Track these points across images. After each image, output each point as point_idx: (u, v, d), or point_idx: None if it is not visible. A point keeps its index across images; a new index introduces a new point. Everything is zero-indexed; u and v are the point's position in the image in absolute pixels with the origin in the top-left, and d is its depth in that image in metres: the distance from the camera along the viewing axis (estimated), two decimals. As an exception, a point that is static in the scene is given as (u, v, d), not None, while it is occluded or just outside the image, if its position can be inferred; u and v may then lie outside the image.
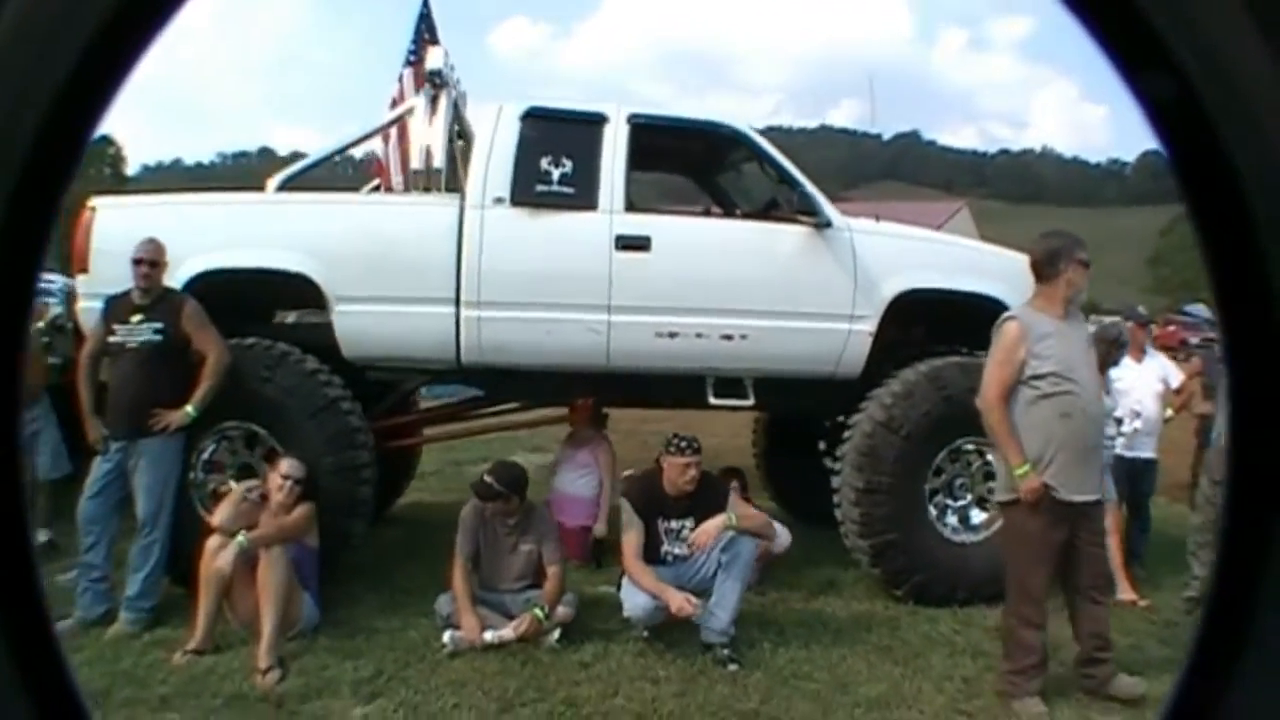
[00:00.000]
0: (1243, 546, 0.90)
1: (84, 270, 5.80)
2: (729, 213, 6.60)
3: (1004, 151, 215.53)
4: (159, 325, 5.22)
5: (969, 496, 5.84)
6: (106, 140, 56.13)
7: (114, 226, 5.74)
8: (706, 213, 6.55)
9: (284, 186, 6.12)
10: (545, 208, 5.67)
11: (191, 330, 5.25)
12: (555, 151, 5.75)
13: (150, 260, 5.22)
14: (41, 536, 5.93)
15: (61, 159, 0.88)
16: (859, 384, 5.82)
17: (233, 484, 5.41)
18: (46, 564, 5.96)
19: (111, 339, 5.25)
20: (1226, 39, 0.82)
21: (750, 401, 5.96)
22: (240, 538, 4.80)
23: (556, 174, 5.74)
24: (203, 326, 5.27)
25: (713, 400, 5.89)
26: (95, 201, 5.86)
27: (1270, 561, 0.87)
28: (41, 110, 0.84)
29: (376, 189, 7.70)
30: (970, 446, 5.72)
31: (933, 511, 5.76)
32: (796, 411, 6.60)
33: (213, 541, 4.90)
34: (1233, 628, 0.89)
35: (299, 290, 5.69)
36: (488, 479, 5.04)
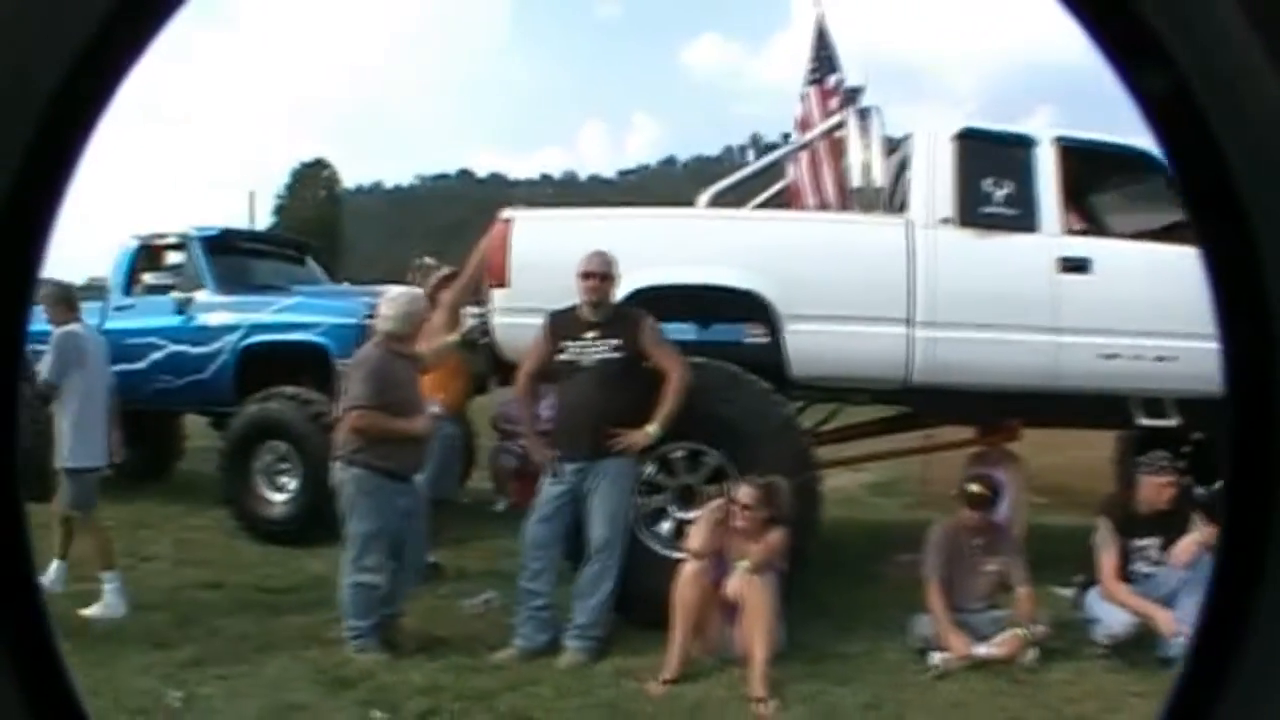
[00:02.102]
0: (1240, 548, 0.97)
1: (501, 284, 6.60)
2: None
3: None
4: (616, 342, 5.77)
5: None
6: (320, 163, 60.59)
7: (533, 239, 6.65)
8: (1138, 235, 7.04)
9: (715, 201, 6.85)
10: (990, 229, 6.54)
11: (651, 348, 5.84)
12: (994, 173, 6.61)
13: (601, 274, 5.81)
14: (429, 559, 6.83)
15: (64, 154, 0.95)
16: None
17: (698, 507, 6.09)
18: (433, 587, 7.07)
19: (561, 357, 5.85)
20: (1221, 36, 0.90)
21: (1175, 422, 6.59)
22: (743, 563, 5.45)
23: (998, 195, 6.60)
24: (662, 344, 5.91)
25: (1142, 420, 6.60)
26: (510, 213, 6.75)
27: (1268, 564, 0.93)
28: (42, 102, 0.89)
29: (767, 205, 8.38)
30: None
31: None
32: (1213, 429, 7.00)
33: (689, 567, 5.54)
34: (1229, 631, 0.96)
35: (738, 307, 6.55)
36: (976, 488, 5.89)
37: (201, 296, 9.62)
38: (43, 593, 1.07)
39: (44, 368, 6.59)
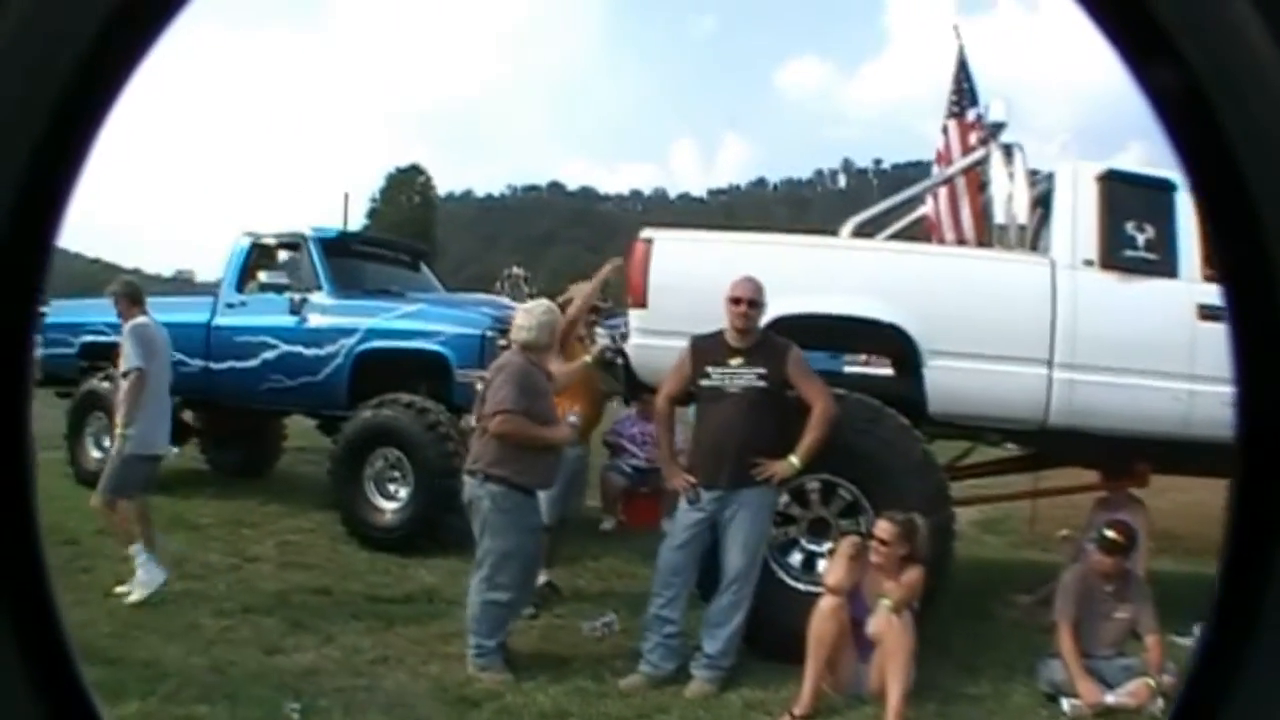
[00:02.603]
0: (1248, 549, 1.00)
1: (641, 305, 6.74)
2: None
3: None
4: (761, 370, 5.87)
5: None
6: (416, 169, 61.90)
7: (673, 260, 6.78)
8: None
9: (858, 232, 6.88)
10: (1131, 272, 6.61)
11: (797, 378, 5.92)
12: (1136, 215, 6.70)
13: (750, 300, 5.90)
14: (541, 578, 6.99)
15: (67, 159, 0.97)
16: None
17: (833, 541, 6.24)
18: (548, 607, 7.22)
19: (704, 382, 5.96)
20: (1234, 34, 0.92)
21: None
22: (886, 601, 5.53)
23: (1140, 239, 6.68)
24: (808, 374, 6.00)
25: None
26: (650, 233, 6.88)
27: (1275, 565, 0.96)
28: (46, 110, 0.92)
29: (899, 237, 8.32)
30: None
31: None
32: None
33: (826, 602, 5.64)
34: (1237, 633, 0.98)
35: (874, 341, 6.76)
36: (1113, 535, 6.03)
37: (317, 298, 9.91)
38: (54, 593, 1.09)
39: (129, 356, 7.09)
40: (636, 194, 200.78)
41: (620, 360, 7.03)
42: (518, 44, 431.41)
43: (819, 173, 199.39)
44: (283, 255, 10.74)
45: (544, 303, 6.50)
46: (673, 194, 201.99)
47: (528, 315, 6.12)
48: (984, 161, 7.79)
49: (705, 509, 5.87)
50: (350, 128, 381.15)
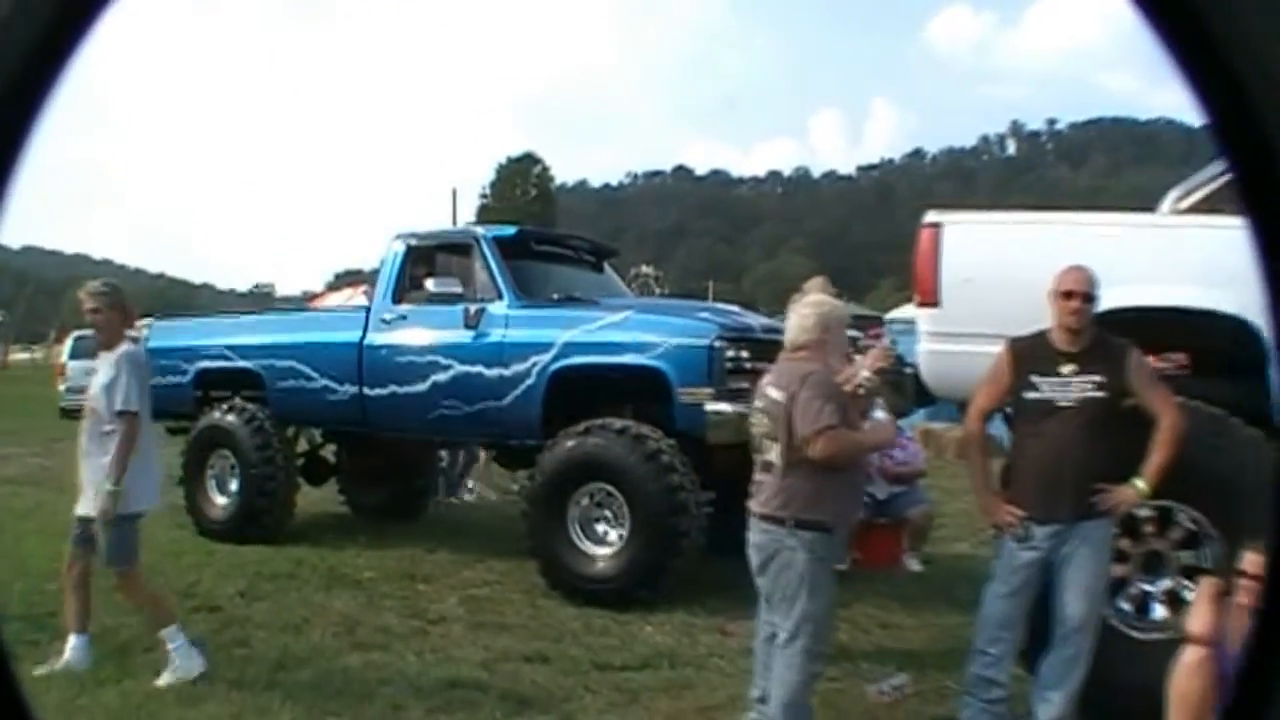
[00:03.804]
0: None
1: (931, 303, 6.53)
2: None
3: None
4: (1099, 378, 5.58)
5: None
6: (531, 158, 62.40)
7: (969, 248, 6.55)
8: None
9: (1186, 207, 6.59)
10: None
11: (1141, 386, 5.61)
12: None
13: (1085, 293, 5.59)
14: None
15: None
16: None
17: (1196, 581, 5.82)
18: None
19: (1029, 395, 5.70)
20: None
21: None
22: None
23: None
24: (1153, 380, 5.67)
25: None
26: (937, 215, 6.63)
27: None
28: None
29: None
30: None
31: None
32: None
33: (1192, 654, 5.15)
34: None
35: (1208, 337, 6.19)
36: None
37: (497, 309, 9.74)
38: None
39: (120, 395, 6.58)
40: (775, 175, 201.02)
41: (897, 373, 6.85)
42: (632, 12, 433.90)
43: (984, 139, 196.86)
44: (445, 260, 10.77)
45: (815, 296, 6.23)
46: (817, 173, 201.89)
47: (803, 313, 5.80)
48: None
49: (1039, 547, 5.62)
50: (447, 117, 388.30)
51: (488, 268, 9.94)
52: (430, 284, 10.05)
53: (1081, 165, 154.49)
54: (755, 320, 9.90)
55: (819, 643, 5.50)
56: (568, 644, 7.58)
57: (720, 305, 10.64)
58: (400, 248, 10.70)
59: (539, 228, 10.60)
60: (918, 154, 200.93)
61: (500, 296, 9.75)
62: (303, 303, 22.25)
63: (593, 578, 8.65)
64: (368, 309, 10.80)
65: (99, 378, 6.70)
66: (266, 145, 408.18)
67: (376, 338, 10.39)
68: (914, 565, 9.76)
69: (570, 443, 8.79)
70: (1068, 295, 5.60)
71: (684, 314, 9.61)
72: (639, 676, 6.94)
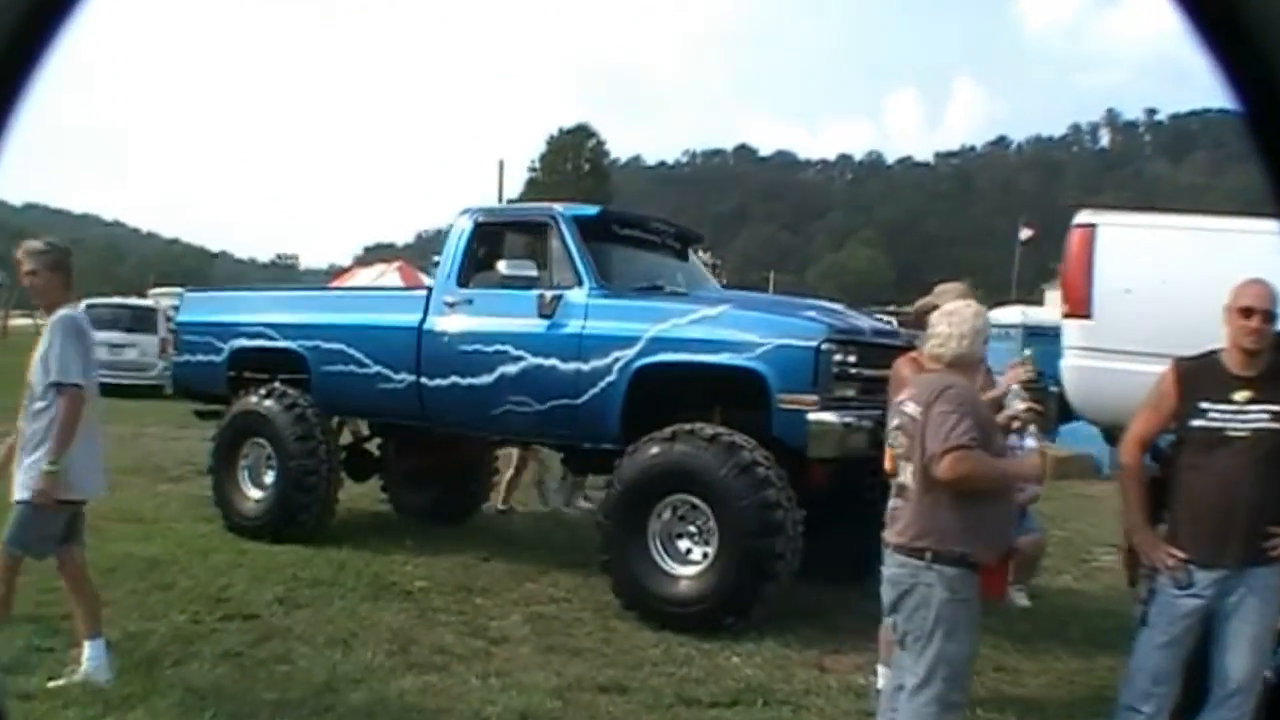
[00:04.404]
0: None
1: (1081, 314, 6.42)
2: None
3: None
4: (1278, 408, 5.37)
5: None
6: (584, 130, 62.47)
7: (1128, 254, 6.40)
8: None
9: None
10: None
11: None
12: None
13: (1265, 311, 5.36)
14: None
15: None
16: None
17: None
18: None
19: (1197, 422, 5.48)
20: None
21: None
22: None
23: None
24: None
25: None
26: (1091, 216, 6.50)
27: None
28: None
29: None
30: None
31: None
32: None
33: None
34: None
35: None
36: None
37: (576, 296, 9.51)
38: None
39: (55, 365, 6.37)
40: (845, 159, 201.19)
41: (1041, 390, 6.54)
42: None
43: (1075, 128, 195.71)
44: (515, 240, 10.67)
45: (971, 305, 5.97)
46: (890, 159, 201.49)
47: (954, 320, 5.53)
48: None
49: (1202, 595, 5.42)
50: (493, 84, 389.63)
51: (566, 250, 9.68)
52: (503, 266, 9.76)
53: (1182, 160, 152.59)
54: (865, 321, 9.67)
55: (953, 691, 5.28)
56: (647, 673, 7.38)
57: (825, 303, 10.34)
58: (468, 224, 10.49)
59: (621, 209, 10.30)
60: (1001, 141, 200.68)
61: (580, 283, 9.52)
62: (327, 278, 22.30)
63: (674, 600, 8.43)
64: (429, 290, 10.60)
65: (38, 348, 6.50)
66: (295, 109, 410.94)
67: (439, 323, 10.18)
68: (1021, 600, 9.53)
69: (655, 449, 8.55)
70: (1246, 312, 5.39)
71: (788, 311, 9.35)
72: (730, 716, 6.73)
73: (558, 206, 10.06)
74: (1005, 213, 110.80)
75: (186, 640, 7.39)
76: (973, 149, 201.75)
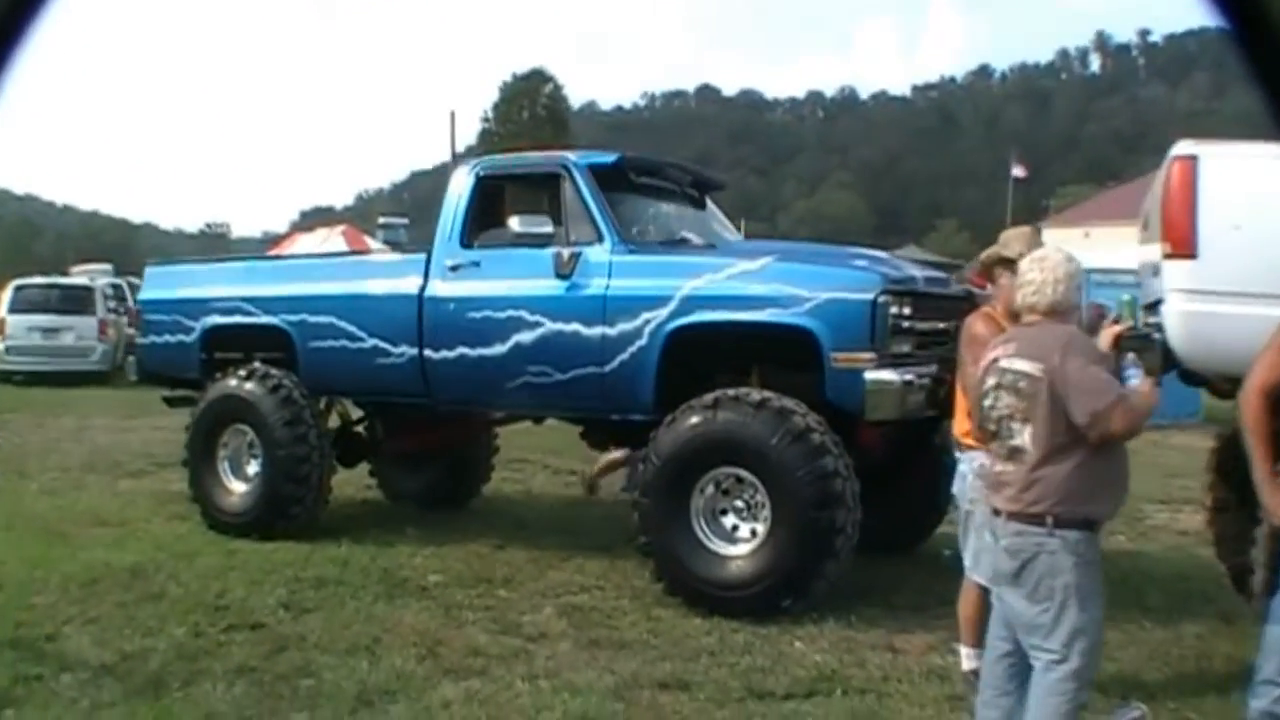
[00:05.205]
0: None
1: (1185, 253, 6.35)
2: None
3: None
4: None
5: None
6: (540, 75, 62.13)
7: (1237, 187, 6.31)
8: None
9: None
10: None
11: None
12: None
13: None
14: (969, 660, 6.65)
15: None
16: None
17: None
18: None
19: None
20: None
21: None
22: None
23: None
24: None
25: None
26: (1192, 147, 6.41)
27: None
28: None
29: None
30: None
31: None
32: None
33: None
34: None
35: None
36: None
37: (596, 254, 9.26)
38: None
39: None
40: (816, 96, 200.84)
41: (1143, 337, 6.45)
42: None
43: (1062, 54, 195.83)
44: (515, 194, 10.45)
45: (1059, 249, 5.86)
46: (864, 94, 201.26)
47: (1046, 266, 5.43)
48: None
49: None
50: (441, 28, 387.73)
51: (583, 203, 9.42)
52: (515, 222, 9.49)
53: (1180, 84, 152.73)
54: (916, 270, 9.55)
55: (1092, 664, 5.27)
56: (706, 665, 7.23)
57: (872, 251, 10.18)
58: (469, 179, 10.24)
59: (639, 155, 10.00)
60: (984, 71, 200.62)
61: (600, 239, 9.30)
62: (261, 246, 22.24)
63: (724, 583, 8.27)
64: (428, 253, 10.30)
65: None
66: (217, 64, 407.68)
67: (441, 288, 9.94)
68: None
69: (695, 418, 8.35)
70: None
71: (837, 261, 9.19)
72: (810, 708, 6.56)
73: (570, 155, 9.80)
74: (991, 148, 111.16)
75: (191, 657, 7.19)
76: (953, 80, 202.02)
